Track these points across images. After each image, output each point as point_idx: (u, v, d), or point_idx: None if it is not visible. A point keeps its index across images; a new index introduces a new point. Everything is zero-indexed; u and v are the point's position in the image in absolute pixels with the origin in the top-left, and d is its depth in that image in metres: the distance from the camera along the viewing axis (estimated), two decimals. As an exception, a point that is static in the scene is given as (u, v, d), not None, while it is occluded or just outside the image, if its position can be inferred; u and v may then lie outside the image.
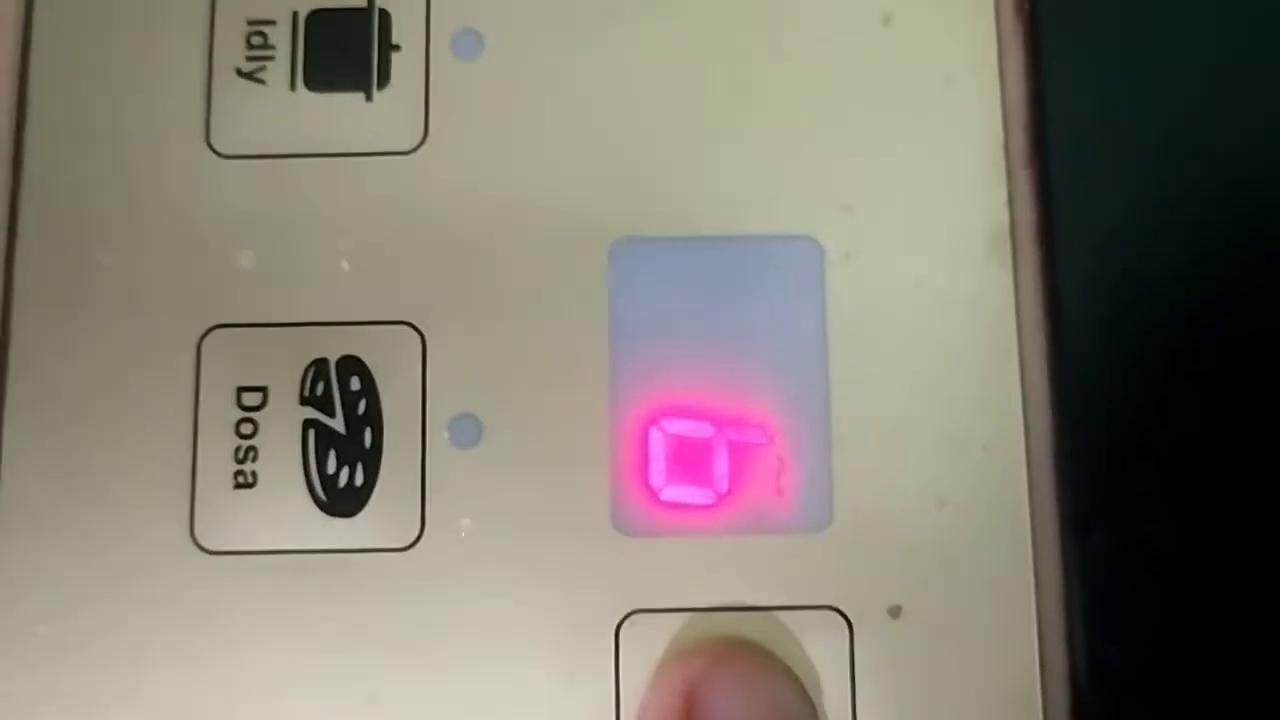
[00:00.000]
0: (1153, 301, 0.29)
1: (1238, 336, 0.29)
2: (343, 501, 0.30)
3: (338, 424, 0.30)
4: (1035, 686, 0.29)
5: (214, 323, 0.30)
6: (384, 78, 0.31)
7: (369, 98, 0.31)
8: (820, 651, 0.29)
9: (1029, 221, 0.30)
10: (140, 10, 0.31)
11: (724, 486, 0.30)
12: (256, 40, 0.31)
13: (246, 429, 0.30)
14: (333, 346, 0.30)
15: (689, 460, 0.30)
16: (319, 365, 0.30)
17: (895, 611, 0.29)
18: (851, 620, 0.29)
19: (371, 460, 0.30)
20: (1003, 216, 0.30)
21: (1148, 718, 0.28)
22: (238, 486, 0.30)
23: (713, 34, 0.31)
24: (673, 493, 0.30)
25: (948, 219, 0.30)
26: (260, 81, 0.31)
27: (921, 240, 0.30)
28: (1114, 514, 0.29)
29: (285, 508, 0.30)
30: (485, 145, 0.31)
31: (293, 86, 0.31)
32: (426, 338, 0.30)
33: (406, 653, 0.29)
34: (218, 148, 0.31)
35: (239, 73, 0.31)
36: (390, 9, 0.31)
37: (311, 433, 0.30)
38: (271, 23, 0.31)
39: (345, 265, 0.30)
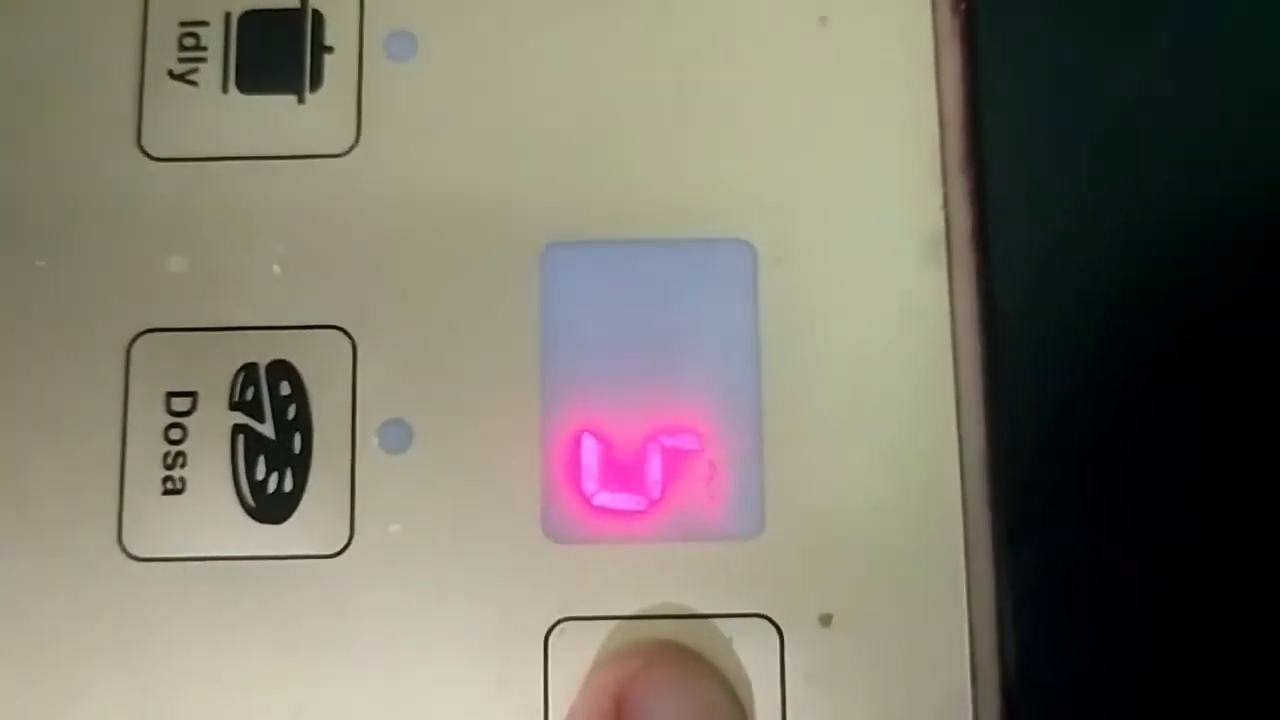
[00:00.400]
0: (1088, 308, 0.29)
1: (1173, 344, 0.29)
2: (272, 508, 0.29)
3: (267, 429, 0.30)
4: (967, 696, 0.29)
5: (144, 327, 0.30)
6: (316, 80, 0.31)
7: (301, 100, 0.31)
8: (751, 659, 0.29)
9: (965, 226, 0.30)
10: (72, 11, 0.31)
11: (656, 492, 0.29)
12: (189, 42, 0.31)
13: (176, 434, 0.30)
14: (263, 351, 0.30)
15: (621, 466, 0.29)
16: (249, 370, 0.30)
17: (826, 620, 0.29)
18: (782, 628, 0.29)
19: (301, 466, 0.29)
20: (938, 220, 0.30)
21: (1079, 729, 0.28)
22: (166, 493, 0.29)
23: (647, 35, 0.31)
24: (604, 499, 0.29)
25: (883, 223, 0.30)
26: (192, 83, 0.31)
27: (856, 244, 0.30)
28: (1047, 524, 0.28)
29: (214, 514, 0.29)
30: (418, 148, 0.31)
31: (225, 88, 0.31)
32: (357, 342, 0.30)
33: (335, 660, 0.29)
34: (149, 150, 0.31)
35: (171, 74, 0.31)
36: (323, 10, 0.31)
37: (241, 438, 0.30)
38: (204, 24, 0.31)
39: (276, 269, 0.30)
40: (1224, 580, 0.28)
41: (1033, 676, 0.28)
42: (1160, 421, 0.28)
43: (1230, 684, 0.28)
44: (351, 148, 0.31)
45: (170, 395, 0.30)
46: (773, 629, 0.29)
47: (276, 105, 0.31)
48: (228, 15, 0.31)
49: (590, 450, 0.30)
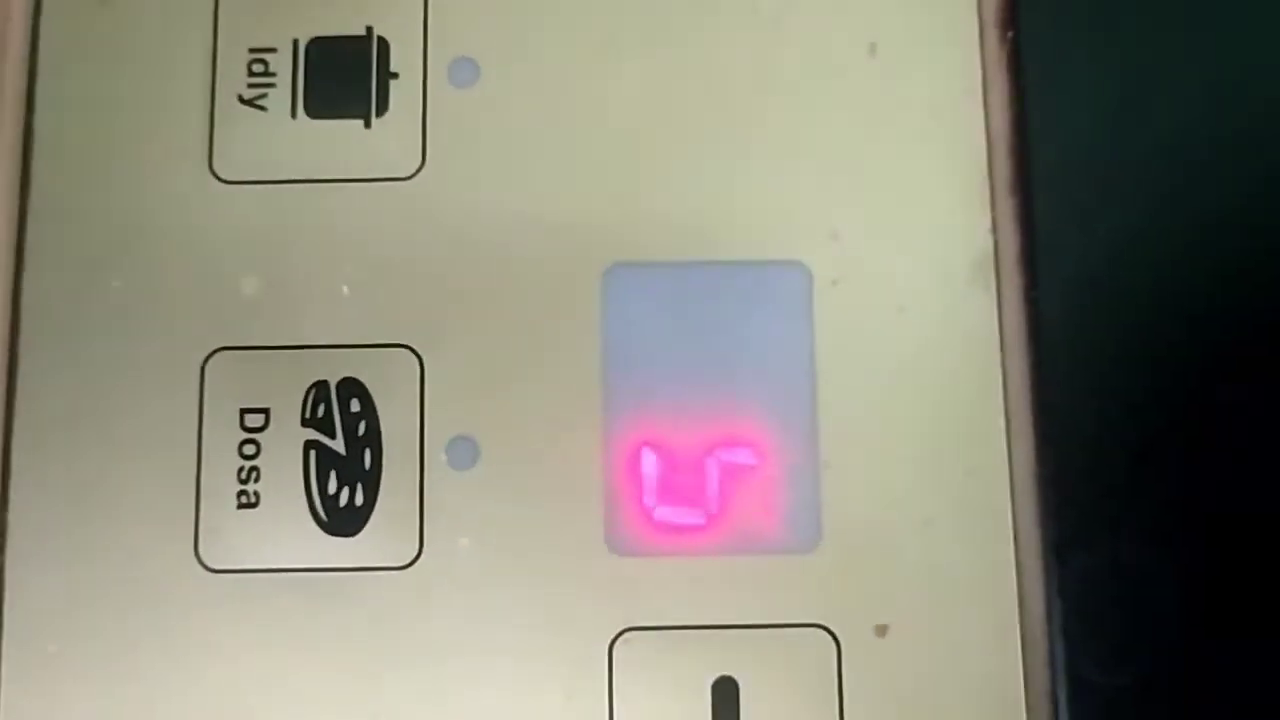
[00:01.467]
0: (1133, 328, 0.30)
1: (1218, 363, 0.30)
2: (343, 521, 0.30)
3: (338, 445, 0.31)
4: (1020, 706, 0.29)
5: (218, 345, 0.31)
6: (382, 105, 0.32)
7: (368, 124, 0.32)
8: (808, 669, 0.30)
9: (1012, 248, 0.31)
10: (145, 38, 0.32)
11: (715, 507, 0.30)
12: (258, 68, 0.32)
13: (249, 450, 0.31)
14: (333, 369, 0.31)
15: (681, 481, 0.30)
16: (320, 387, 0.31)
17: (882, 630, 0.30)
18: (839, 638, 0.30)
19: (371, 481, 0.30)
20: (987, 243, 0.31)
21: (1128, 738, 0.29)
22: (241, 506, 0.30)
23: (704, 63, 0.32)
24: (665, 513, 0.30)
25: (933, 245, 0.31)
26: (262, 108, 0.32)
27: (907, 266, 0.31)
28: (1095, 537, 0.29)
29: (287, 527, 0.30)
30: (481, 171, 0.31)
31: (294, 113, 0.32)
32: (425, 360, 0.31)
33: (405, 670, 0.30)
34: (221, 174, 0.32)
35: (241, 100, 0.32)
36: (389, 37, 0.32)
37: (313, 453, 0.31)
38: (273, 50, 0.32)
39: (345, 289, 0.31)
40: (1270, 590, 0.29)
41: (1082, 687, 0.29)
42: (1203, 437, 0.29)
43: (1277, 685, 0.29)
44: (417, 171, 0.32)
45: (244, 412, 0.31)
46: (830, 639, 0.30)
47: (344, 130, 0.32)
48: (296, 42, 0.32)
49: (651, 465, 0.30)
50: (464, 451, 0.31)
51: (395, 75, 0.32)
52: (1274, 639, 0.29)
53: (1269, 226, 0.30)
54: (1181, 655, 0.29)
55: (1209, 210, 0.30)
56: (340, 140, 0.32)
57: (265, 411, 0.31)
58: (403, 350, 0.31)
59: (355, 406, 0.31)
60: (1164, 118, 0.31)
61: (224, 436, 0.31)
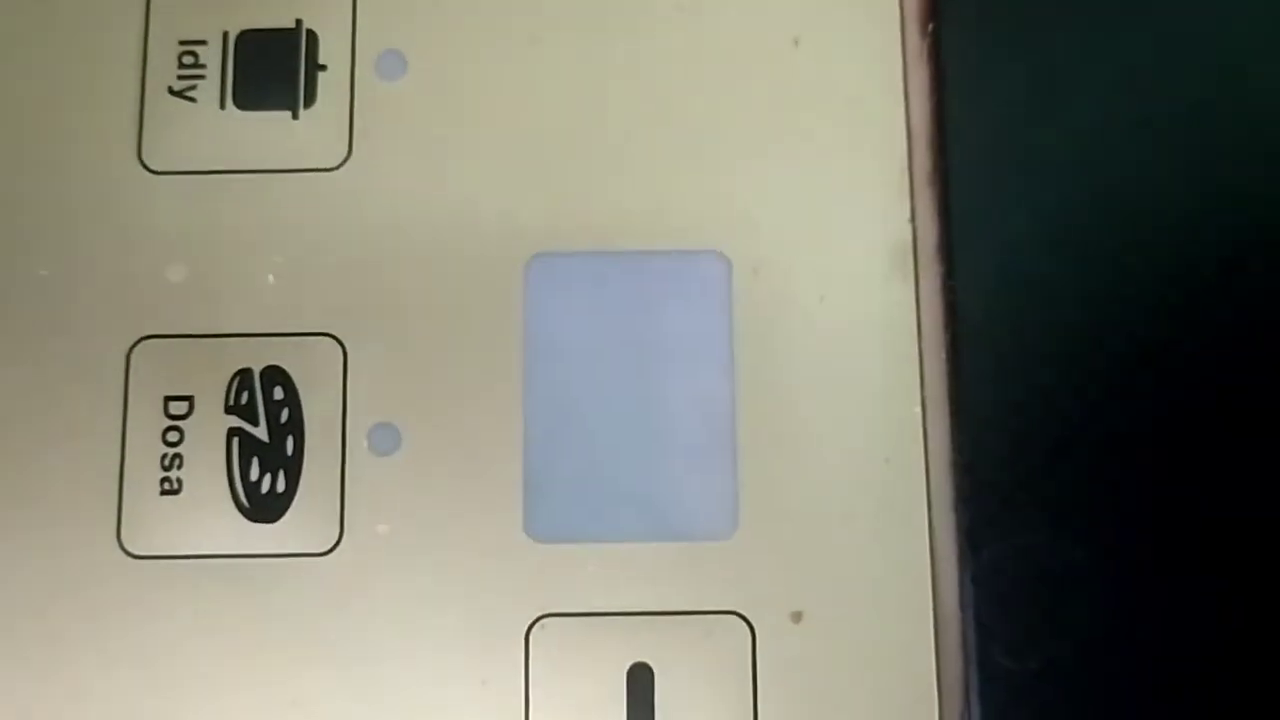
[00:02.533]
0: (1050, 318, 0.30)
1: (1133, 352, 0.30)
2: (265, 508, 0.31)
3: (261, 432, 0.31)
4: (932, 691, 0.30)
5: (143, 333, 0.31)
6: (310, 97, 0.32)
7: (295, 116, 0.32)
8: (723, 656, 0.30)
9: (931, 238, 0.31)
10: (75, 30, 0.32)
11: (634, 494, 0.30)
12: (188, 59, 0.32)
13: (173, 437, 0.31)
14: (257, 357, 0.31)
15: (600, 469, 0.31)
16: (244, 375, 0.31)
17: (797, 617, 0.30)
18: (754, 625, 0.30)
19: (293, 467, 0.31)
20: (906, 233, 0.31)
21: (1039, 725, 0.29)
22: (164, 493, 0.31)
23: (627, 56, 0.32)
24: (584, 500, 0.30)
25: (852, 235, 0.31)
26: (191, 100, 0.32)
27: (826, 255, 0.31)
28: (1010, 527, 0.29)
29: (210, 514, 0.31)
30: (407, 163, 0.32)
31: (223, 105, 0.32)
32: (348, 349, 0.31)
33: (326, 655, 0.30)
34: (150, 164, 0.32)
35: (171, 91, 0.32)
36: (317, 30, 0.32)
37: (236, 440, 0.31)
38: (203, 43, 0.32)
39: (271, 278, 0.31)
40: (1180, 579, 0.29)
41: (994, 676, 0.29)
42: (1117, 427, 0.30)
43: (1186, 678, 0.29)
44: (343, 162, 0.32)
45: (168, 399, 0.31)
46: (745, 626, 0.30)
47: (272, 121, 0.32)
48: (225, 34, 0.32)
49: (569, 453, 0.31)
50: (386, 438, 0.31)
51: (323, 67, 0.32)
52: (1179, 626, 0.29)
53: (1183, 216, 0.30)
54: (1089, 642, 0.29)
55: (1125, 201, 0.30)
56: (268, 131, 0.32)
57: (189, 399, 0.31)
58: (326, 339, 0.31)
59: (279, 394, 0.31)
60: (1081, 111, 0.31)
61: (148, 423, 0.31)
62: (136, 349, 0.31)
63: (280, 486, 0.31)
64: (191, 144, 0.32)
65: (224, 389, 0.31)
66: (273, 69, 0.32)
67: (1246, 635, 0.29)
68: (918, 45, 0.32)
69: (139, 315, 0.31)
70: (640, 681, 0.30)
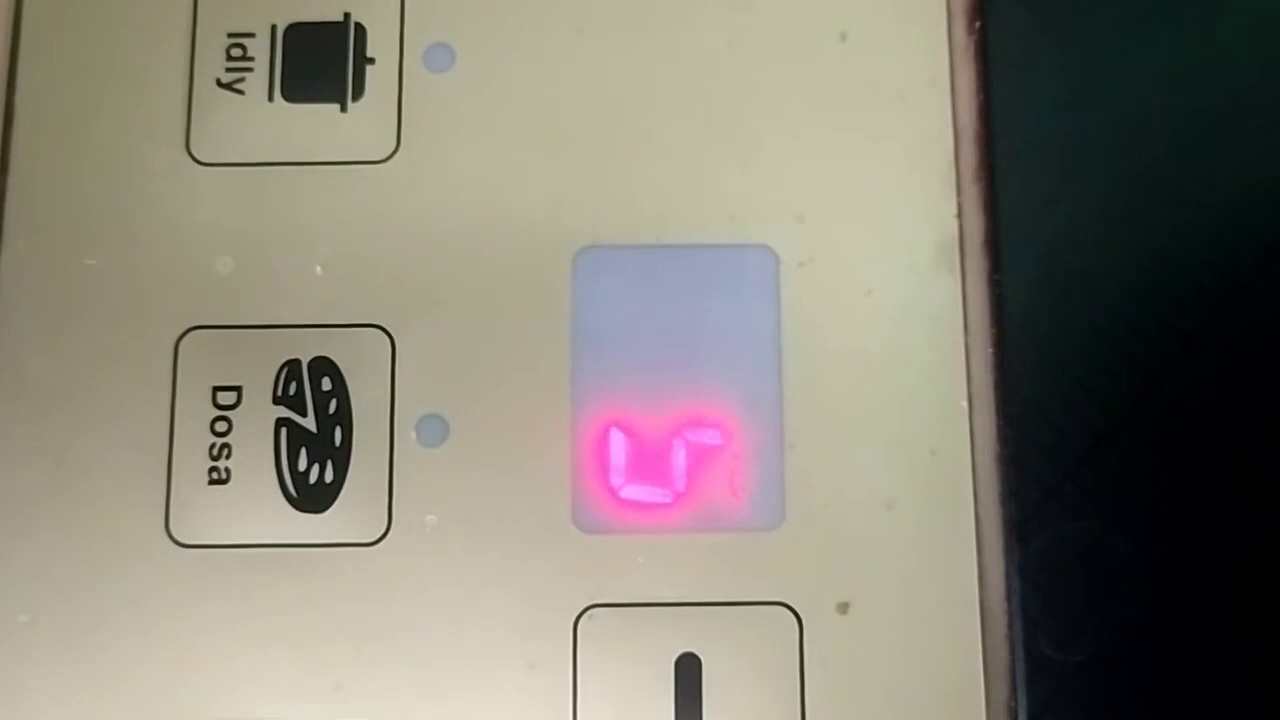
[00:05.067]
0: (1095, 312, 0.30)
1: (1177, 344, 0.30)
2: (313, 498, 0.31)
3: (309, 423, 0.31)
4: (979, 683, 0.30)
5: (192, 324, 0.31)
6: (358, 89, 0.32)
7: (344, 109, 0.32)
8: (771, 646, 0.30)
9: (977, 233, 0.31)
10: (124, 22, 0.33)
11: (681, 486, 0.31)
12: (236, 52, 0.32)
13: (221, 427, 0.31)
14: (306, 348, 0.31)
15: (647, 461, 0.31)
16: (292, 366, 0.31)
17: (844, 608, 0.30)
18: (801, 616, 0.30)
19: (341, 458, 0.31)
20: (952, 228, 0.31)
21: (1083, 717, 0.29)
22: (212, 483, 0.31)
23: (676, 48, 0.32)
24: (631, 491, 0.31)
25: (899, 230, 0.31)
26: (239, 92, 0.32)
27: (873, 250, 0.31)
28: (1056, 519, 0.30)
29: (257, 503, 0.31)
30: (455, 155, 0.32)
31: (270, 97, 0.32)
32: (396, 340, 0.31)
33: (372, 643, 0.30)
34: (198, 156, 0.32)
35: (219, 83, 0.32)
36: (365, 23, 0.33)
37: (284, 431, 0.31)
38: (251, 35, 0.32)
39: (319, 270, 0.31)
40: (1225, 571, 0.29)
41: (1039, 666, 0.29)
42: (1162, 419, 0.30)
43: (1232, 669, 0.29)
44: (392, 155, 0.32)
45: (216, 390, 0.31)
46: (792, 617, 0.30)
47: (320, 114, 0.32)
48: (274, 27, 0.32)
49: (618, 445, 0.31)
50: (433, 429, 0.31)
51: (371, 60, 0.32)
52: (1225, 618, 0.29)
53: (1227, 209, 0.31)
54: (1135, 633, 0.29)
55: (1169, 195, 0.31)
56: (316, 124, 0.32)
57: (238, 389, 0.31)
58: (374, 330, 0.31)
59: (327, 385, 0.31)
60: (1126, 106, 0.31)
61: (196, 413, 0.31)
62: (185, 339, 0.31)
63: (328, 477, 0.31)
64: (239, 136, 0.32)
65: (272, 379, 0.31)
66: (321, 62, 0.32)
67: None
68: (964, 41, 0.32)
69: (187, 306, 0.31)
70: (688, 671, 0.30)
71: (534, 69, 0.32)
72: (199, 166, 0.32)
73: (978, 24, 0.32)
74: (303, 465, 0.31)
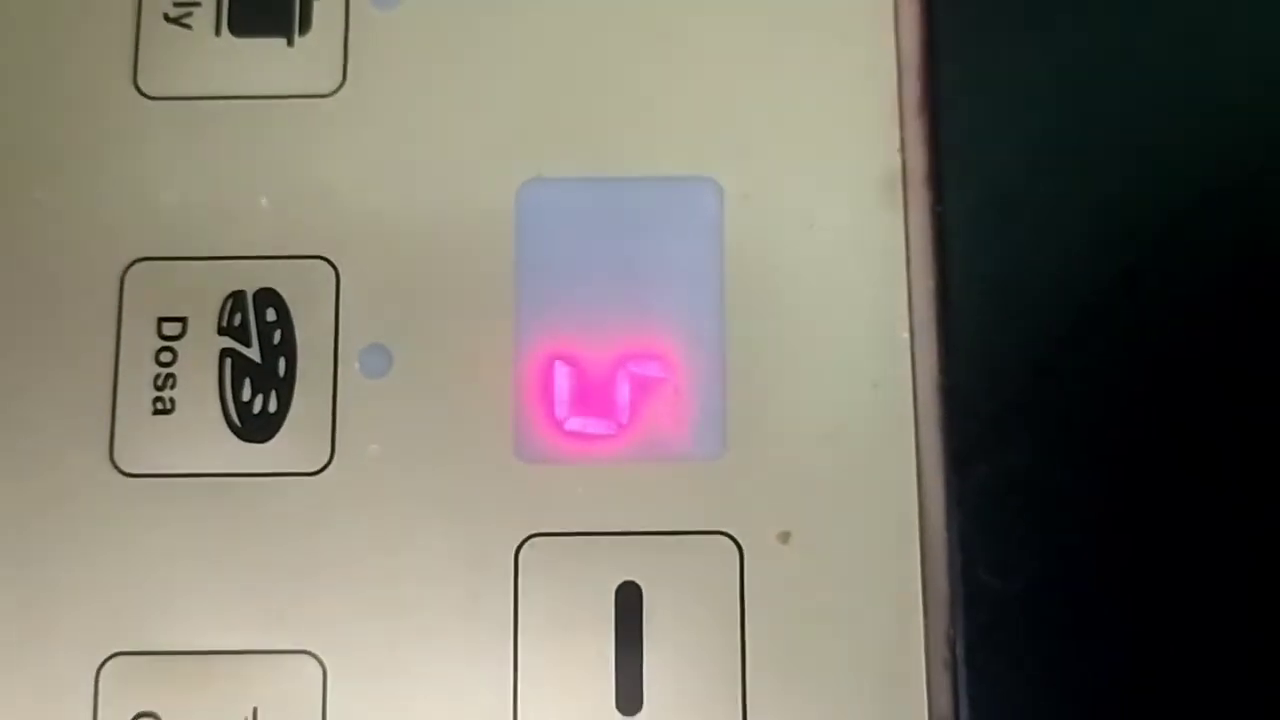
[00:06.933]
0: (1037, 244, 0.30)
1: (1119, 276, 0.30)
2: (256, 427, 0.31)
3: (253, 353, 0.31)
4: (918, 613, 0.30)
5: (137, 256, 0.31)
6: (305, 24, 0.32)
7: (290, 43, 0.32)
8: (712, 575, 0.30)
9: (920, 166, 0.31)
10: (73, -43, 0.33)
11: (624, 417, 0.31)
12: (184, -14, 0.32)
13: (166, 357, 0.31)
14: (251, 279, 0.31)
15: (592, 393, 0.31)
16: (237, 297, 0.31)
17: (784, 537, 0.30)
18: (742, 545, 0.30)
19: (285, 388, 0.31)
20: (895, 161, 0.31)
21: (1022, 645, 0.29)
22: (156, 413, 0.31)
23: (620, -18, 0.32)
24: (575, 424, 0.31)
25: (843, 163, 0.31)
26: (186, 26, 0.32)
27: (817, 183, 0.31)
28: (995, 449, 0.30)
29: (201, 433, 0.31)
30: (400, 90, 0.32)
31: (218, 31, 0.32)
32: (340, 272, 0.31)
33: (314, 572, 0.30)
34: (145, 90, 0.32)
35: (166, 17, 0.32)
36: (312, -42, 0.33)
37: (228, 361, 0.31)
38: (199, -30, 0.33)
39: (264, 202, 0.31)
40: (1164, 499, 0.29)
41: (978, 594, 0.29)
42: (1102, 351, 0.30)
43: (1170, 597, 0.29)
44: (338, 89, 0.32)
45: (161, 320, 0.31)
46: (733, 546, 0.30)
47: (267, 48, 0.32)
48: (221, -39, 0.33)
49: (562, 377, 0.31)
50: (377, 360, 0.31)
51: (319, -5, 0.33)
52: (1163, 546, 0.29)
53: (1172, 143, 0.31)
54: (1072, 561, 0.29)
55: (1113, 128, 0.31)
56: (263, 58, 0.32)
57: (183, 320, 0.31)
58: (319, 261, 0.31)
59: (271, 316, 0.31)
60: (1071, 39, 0.31)
61: (141, 344, 0.31)
62: (130, 271, 0.31)
63: (272, 407, 0.31)
64: (186, 70, 0.32)
65: (217, 310, 0.31)
66: (268, -4, 0.32)
67: (1234, 553, 0.29)
68: (909, -27, 0.32)
69: (133, 238, 0.32)
70: (629, 600, 0.30)
71: (480, 4, 0.32)
72: (146, 100, 0.32)
73: (922, -44, 0.32)
74: (246, 395, 0.31)
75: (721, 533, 0.30)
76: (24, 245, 0.31)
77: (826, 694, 0.30)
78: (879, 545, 0.30)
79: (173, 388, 0.31)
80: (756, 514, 0.30)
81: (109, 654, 0.30)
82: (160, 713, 0.30)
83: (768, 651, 0.30)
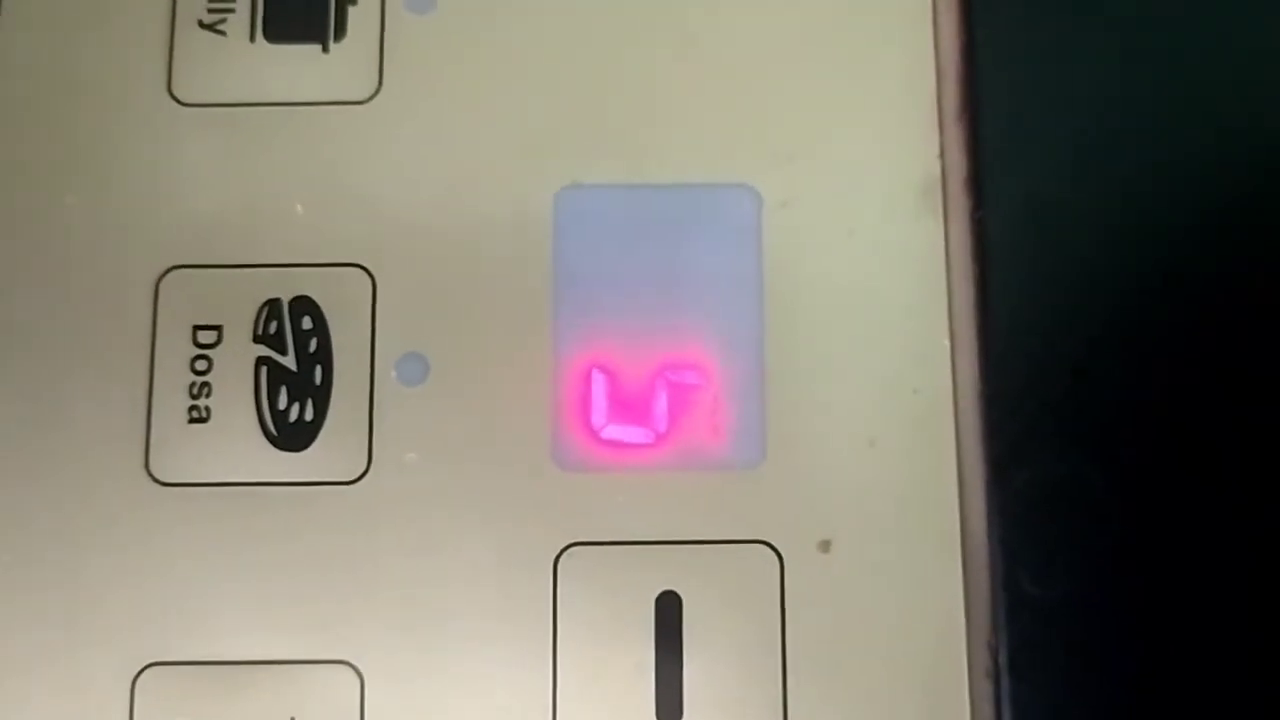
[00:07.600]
0: (1076, 251, 0.30)
1: (1158, 283, 0.30)
2: (293, 436, 0.31)
3: (289, 361, 0.31)
4: (960, 621, 0.30)
5: (172, 263, 0.31)
6: (340, 30, 0.32)
7: (325, 49, 0.32)
8: (752, 584, 0.30)
9: (959, 172, 0.31)
10: (107, -37, 0.32)
11: (662, 426, 0.31)
12: (218, -7, 0.32)
13: (201, 366, 0.31)
14: (286, 287, 0.31)
15: (628, 400, 0.31)
16: (273, 305, 0.31)
17: (825, 546, 0.30)
18: (782, 554, 0.30)
19: (321, 397, 0.31)
20: (935, 168, 0.31)
21: (1064, 653, 0.29)
22: (192, 421, 0.31)
23: (659, -13, 0.32)
24: (613, 431, 0.31)
25: (882, 170, 0.31)
26: (221, 33, 0.32)
27: (856, 190, 0.31)
28: (1036, 456, 0.29)
29: (237, 442, 0.31)
30: (436, 96, 0.32)
31: (252, 38, 0.32)
32: (377, 279, 0.31)
33: (351, 582, 0.30)
34: (179, 96, 0.32)
35: (200, 24, 0.32)
36: (347, -37, 0.32)
37: (264, 370, 0.31)
38: (233, -24, 0.32)
39: (300, 209, 0.31)
40: (1205, 505, 0.29)
41: (1020, 602, 0.29)
42: (1143, 357, 0.30)
43: (1212, 603, 0.29)
44: (373, 95, 0.32)
45: (197, 329, 0.31)
46: (773, 555, 0.30)
47: (301, 54, 0.32)
48: (255, -33, 0.32)
49: (599, 386, 0.31)
50: (414, 368, 0.31)
51: (353, 1, 0.32)
52: (1205, 552, 0.29)
53: (1211, 148, 0.30)
54: (1115, 568, 0.29)
55: (1155, 133, 0.31)
56: (297, 65, 0.32)
57: (218, 328, 0.31)
58: (355, 269, 0.31)
59: (307, 324, 0.31)
60: (1110, 44, 0.31)
61: (177, 352, 0.31)
62: (165, 278, 0.31)
63: (308, 415, 0.31)
64: (221, 77, 0.32)
65: (253, 318, 0.31)
66: (303, 2, 0.32)
67: (1275, 558, 0.29)
68: (947, -19, 0.32)
69: (168, 246, 0.31)
70: (668, 610, 0.30)
71: (516, 9, 0.32)
72: (180, 107, 0.32)
73: (961, -37, 0.32)
74: (283, 404, 0.31)
75: (761, 541, 0.30)
76: (59, 253, 0.31)
77: (868, 704, 0.29)
78: (920, 553, 0.30)
79: (208, 396, 0.31)
80: (796, 523, 0.30)
81: (144, 664, 0.30)
82: (196, 723, 0.30)
83: (808, 661, 0.30)
